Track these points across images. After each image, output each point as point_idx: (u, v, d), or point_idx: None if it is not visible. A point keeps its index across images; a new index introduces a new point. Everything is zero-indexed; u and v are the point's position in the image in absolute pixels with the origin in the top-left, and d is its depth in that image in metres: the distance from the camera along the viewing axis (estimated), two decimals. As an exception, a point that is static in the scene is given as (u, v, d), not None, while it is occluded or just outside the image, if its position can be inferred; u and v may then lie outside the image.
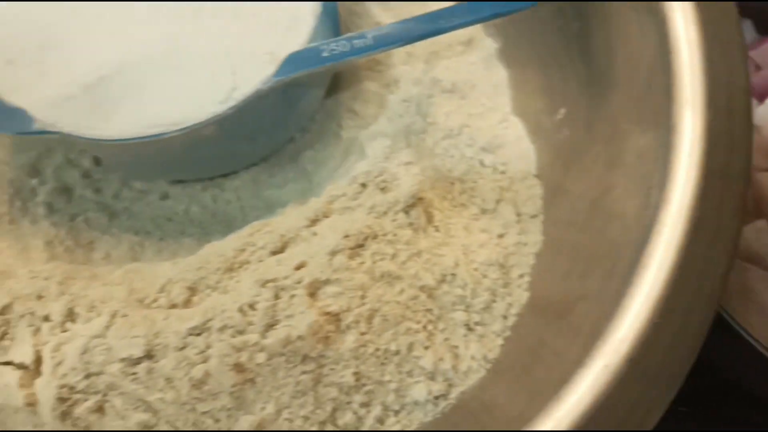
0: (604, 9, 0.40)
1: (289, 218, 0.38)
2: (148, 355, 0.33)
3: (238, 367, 0.33)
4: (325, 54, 0.36)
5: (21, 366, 0.34)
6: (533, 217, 0.41)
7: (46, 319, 0.34)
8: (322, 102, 0.44)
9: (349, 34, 0.36)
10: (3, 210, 0.41)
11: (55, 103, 0.36)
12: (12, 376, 0.34)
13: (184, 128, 0.36)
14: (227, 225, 0.41)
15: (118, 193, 0.43)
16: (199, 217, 0.42)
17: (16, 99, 0.37)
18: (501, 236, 0.40)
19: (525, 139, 0.43)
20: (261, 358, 0.33)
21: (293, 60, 0.36)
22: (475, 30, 0.46)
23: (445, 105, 0.42)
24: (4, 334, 0.34)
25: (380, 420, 0.36)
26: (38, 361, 0.34)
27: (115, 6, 0.38)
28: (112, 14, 0.38)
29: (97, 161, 0.43)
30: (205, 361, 0.33)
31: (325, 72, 0.40)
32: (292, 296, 0.34)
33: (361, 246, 0.36)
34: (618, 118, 0.38)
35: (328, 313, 0.34)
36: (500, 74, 0.45)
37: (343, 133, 0.43)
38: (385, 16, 0.44)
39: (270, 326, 0.33)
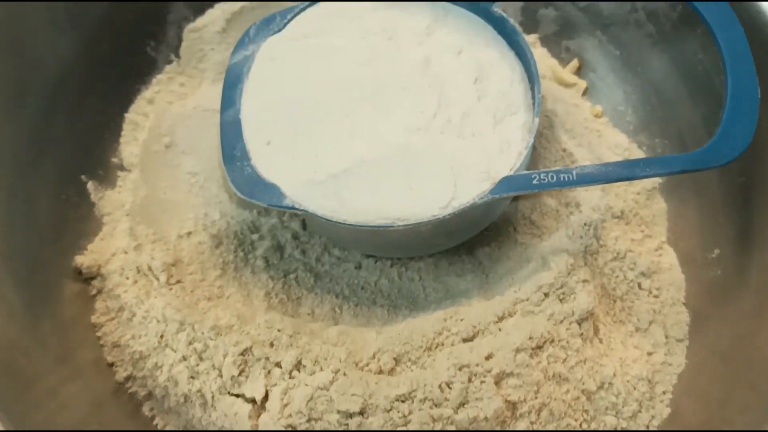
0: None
1: (477, 310, 0.44)
2: (361, 412, 0.40)
3: (431, 434, 0.40)
4: (534, 182, 0.43)
5: (250, 400, 0.42)
6: (679, 341, 0.47)
7: (278, 365, 0.42)
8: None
9: (556, 168, 0.43)
10: (230, 258, 0.49)
11: (304, 185, 0.44)
12: (243, 407, 0.41)
13: (408, 224, 0.43)
14: (412, 301, 0.49)
15: (320, 257, 0.50)
16: (388, 290, 0.49)
17: (271, 176, 0.45)
18: (650, 354, 0.46)
19: (677, 269, 0.49)
20: (450, 429, 0.40)
21: (507, 182, 0.43)
22: (643, 164, 0.53)
23: (614, 229, 0.48)
24: (241, 371, 0.42)
25: (533, 497, 0.42)
26: (264, 398, 0.41)
27: (361, 112, 0.46)
28: (357, 118, 0.45)
29: (303, 225, 0.51)
30: (406, 424, 0.40)
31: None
32: (482, 382, 0.40)
33: (540, 347, 0.42)
34: (774, 272, 0.44)
35: (508, 401, 0.41)
36: (660, 206, 0.52)
37: (519, 238, 0.50)
38: (571, 143, 0.51)
39: (461, 404, 0.40)
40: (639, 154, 0.54)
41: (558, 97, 0.54)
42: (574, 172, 0.43)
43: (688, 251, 0.50)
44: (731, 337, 0.45)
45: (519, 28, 0.48)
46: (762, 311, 0.44)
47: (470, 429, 0.40)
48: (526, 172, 0.44)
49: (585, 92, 0.57)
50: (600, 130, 0.54)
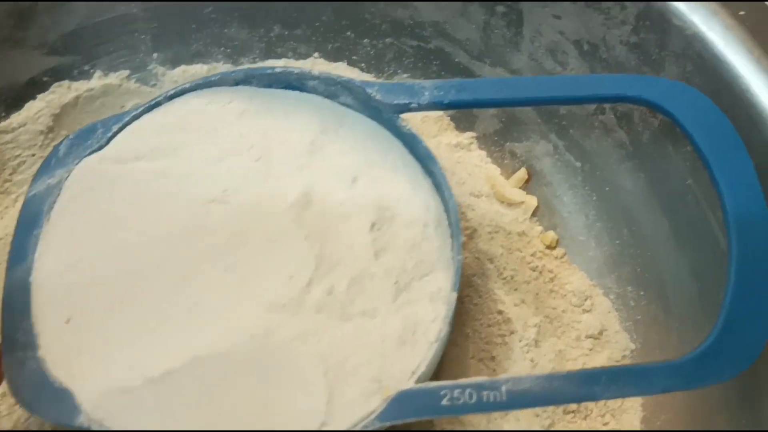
0: None
1: None
2: None
3: None
4: (444, 402, 0.29)
5: None
6: None
7: None
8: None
9: (479, 381, 0.29)
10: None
11: (107, 393, 0.30)
12: None
13: (255, 461, 0.29)
14: None
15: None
16: None
17: (65, 375, 0.31)
18: None
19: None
20: None
21: (404, 401, 0.29)
22: (610, 323, 0.39)
23: (568, 435, 0.35)
24: None
25: None
26: None
27: (206, 277, 0.32)
28: (199, 286, 0.32)
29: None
30: None
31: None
32: None
33: None
34: None
35: None
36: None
37: (437, 436, 0.36)
38: (509, 300, 0.38)
39: None
40: (603, 304, 0.40)
41: (497, 223, 0.40)
42: (503, 389, 0.29)
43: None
44: None
45: (433, 153, 0.34)
46: None
47: None
48: (433, 384, 0.30)
49: (535, 212, 0.43)
50: (553, 270, 0.40)
